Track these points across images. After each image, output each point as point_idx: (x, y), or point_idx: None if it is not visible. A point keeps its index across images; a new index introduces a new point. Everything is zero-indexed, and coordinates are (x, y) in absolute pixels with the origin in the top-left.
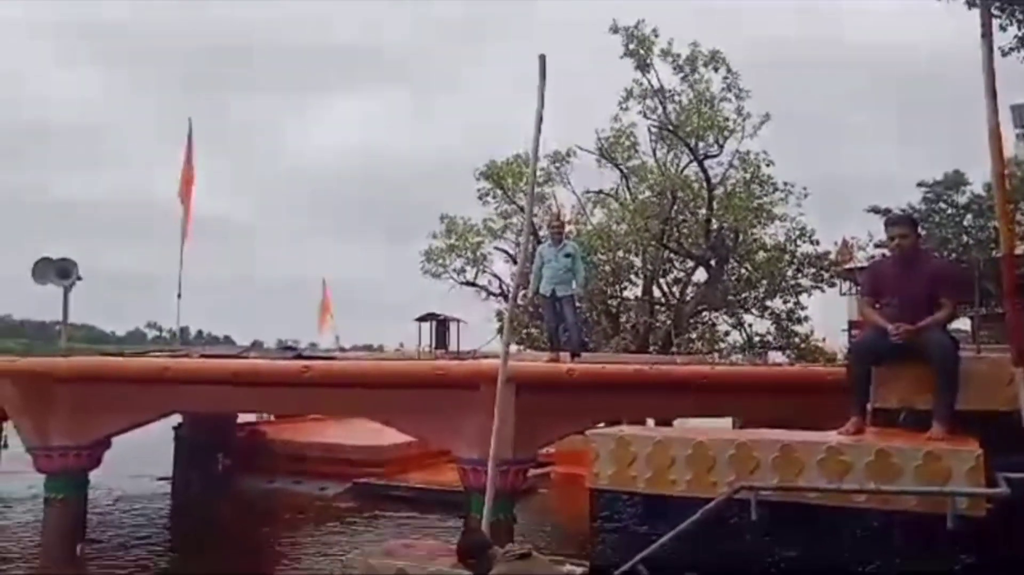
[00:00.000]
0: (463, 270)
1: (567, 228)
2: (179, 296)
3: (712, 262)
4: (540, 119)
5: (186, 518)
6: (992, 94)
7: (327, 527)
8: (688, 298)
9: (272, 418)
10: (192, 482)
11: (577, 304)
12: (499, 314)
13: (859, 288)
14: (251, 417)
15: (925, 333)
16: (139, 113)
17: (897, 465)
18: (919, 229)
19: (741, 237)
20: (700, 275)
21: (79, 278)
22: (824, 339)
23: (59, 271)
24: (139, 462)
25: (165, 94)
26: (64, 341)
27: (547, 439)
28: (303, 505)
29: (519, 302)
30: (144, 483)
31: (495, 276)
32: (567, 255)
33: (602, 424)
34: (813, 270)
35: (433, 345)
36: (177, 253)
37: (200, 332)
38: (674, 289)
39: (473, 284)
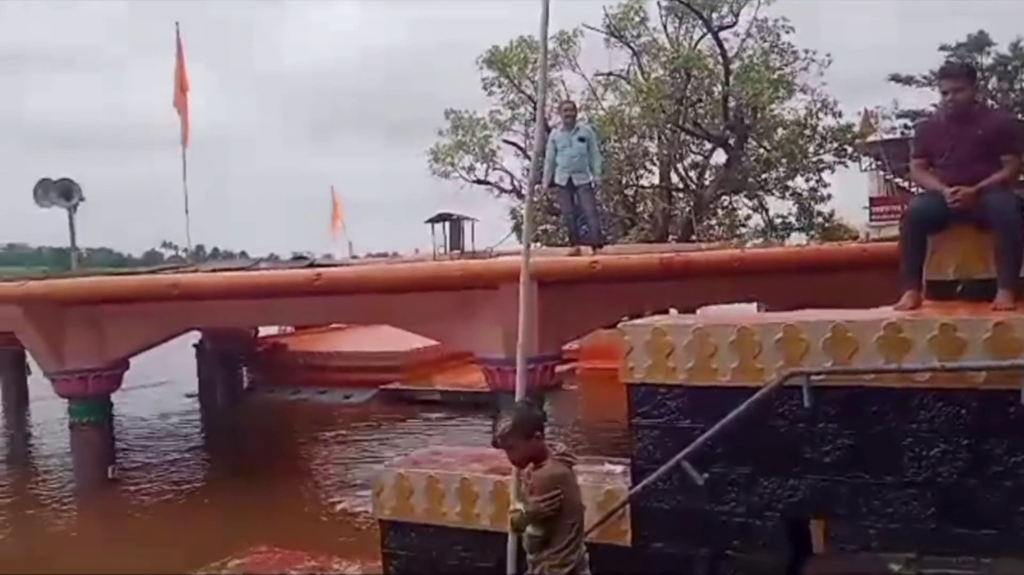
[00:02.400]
0: (472, 168)
1: (578, 114)
2: (187, 211)
3: (731, 142)
4: None
5: (217, 433)
6: None
7: (357, 435)
8: (707, 183)
9: (292, 330)
10: (219, 397)
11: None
12: (513, 211)
13: (883, 162)
14: (272, 330)
15: (986, 195)
16: (111, 27)
17: (963, 339)
18: (976, 80)
19: (760, 113)
20: (718, 157)
21: (82, 198)
22: (843, 219)
23: (61, 191)
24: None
25: (136, 3)
26: (75, 263)
27: (573, 334)
28: (331, 414)
29: (534, 198)
30: (172, 400)
31: (506, 172)
32: (581, 139)
33: (626, 317)
34: (836, 144)
35: (448, 246)
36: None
37: (216, 249)
38: (692, 174)
39: (484, 182)
